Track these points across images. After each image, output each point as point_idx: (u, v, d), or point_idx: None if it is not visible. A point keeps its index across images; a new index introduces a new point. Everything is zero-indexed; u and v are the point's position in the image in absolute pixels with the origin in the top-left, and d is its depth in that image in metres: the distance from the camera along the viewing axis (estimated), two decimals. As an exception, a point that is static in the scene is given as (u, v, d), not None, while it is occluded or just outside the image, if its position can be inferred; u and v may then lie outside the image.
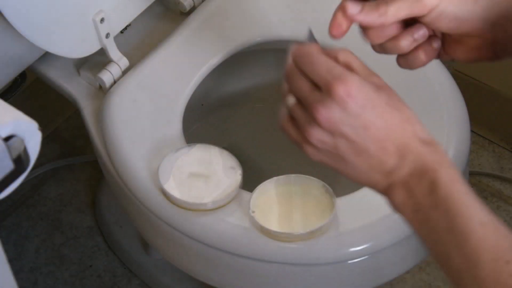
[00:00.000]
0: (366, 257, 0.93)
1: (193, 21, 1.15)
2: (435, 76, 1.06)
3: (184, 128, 1.05)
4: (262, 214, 0.93)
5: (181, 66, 1.11)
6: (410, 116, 0.67)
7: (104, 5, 1.07)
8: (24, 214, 1.49)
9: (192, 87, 1.10)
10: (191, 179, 0.97)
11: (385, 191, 0.68)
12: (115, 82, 1.11)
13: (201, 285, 1.29)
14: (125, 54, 1.12)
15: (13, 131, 0.51)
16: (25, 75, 1.19)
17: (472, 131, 1.08)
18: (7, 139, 0.51)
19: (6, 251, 0.61)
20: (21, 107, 0.54)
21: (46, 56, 1.13)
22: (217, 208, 0.95)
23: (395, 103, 0.66)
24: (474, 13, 0.71)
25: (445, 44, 0.76)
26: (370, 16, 0.70)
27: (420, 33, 0.73)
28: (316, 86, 0.66)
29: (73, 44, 1.07)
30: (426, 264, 1.40)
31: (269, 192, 0.95)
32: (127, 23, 1.14)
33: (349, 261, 0.93)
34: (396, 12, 0.70)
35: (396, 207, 0.68)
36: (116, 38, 1.11)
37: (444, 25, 0.72)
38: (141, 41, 1.17)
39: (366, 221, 0.93)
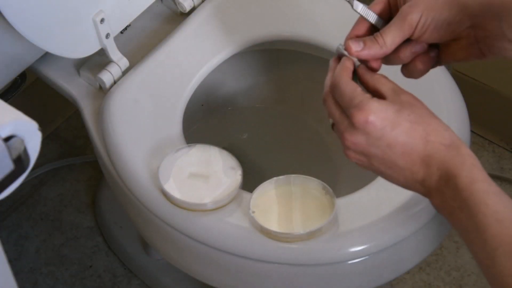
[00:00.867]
0: (366, 257, 0.93)
1: (193, 21, 1.15)
2: (435, 76, 1.06)
3: (184, 128, 1.05)
4: (262, 214, 0.93)
5: (181, 67, 1.11)
6: (435, 127, 0.75)
7: (104, 5, 1.07)
8: (24, 214, 1.49)
9: (192, 87, 1.10)
10: (191, 179, 0.97)
11: (426, 196, 0.77)
12: (115, 82, 1.11)
13: (201, 285, 1.29)
14: (125, 54, 1.12)
15: (13, 131, 0.51)
16: (25, 75, 1.19)
17: (472, 131, 1.08)
18: (7, 139, 0.51)
19: (6, 251, 0.61)
20: (21, 107, 0.54)
21: (46, 56, 1.13)
22: (217, 208, 0.95)
23: (418, 118, 0.75)
24: (452, 19, 0.77)
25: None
26: (372, 50, 0.78)
27: (418, 46, 0.80)
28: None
29: (73, 44, 1.07)
30: (426, 264, 1.40)
31: (269, 193, 0.95)
32: (127, 24, 1.14)
33: (349, 262, 0.93)
34: (393, 41, 0.78)
35: (437, 210, 0.76)
36: (116, 38, 1.11)
37: (429, 36, 0.79)
38: (141, 41, 1.17)
39: (366, 221, 0.93)
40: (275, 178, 0.96)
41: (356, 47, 0.78)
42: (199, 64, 1.11)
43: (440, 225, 0.96)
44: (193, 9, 1.18)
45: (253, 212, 0.93)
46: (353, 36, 0.81)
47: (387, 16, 0.82)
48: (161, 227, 0.98)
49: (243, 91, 1.26)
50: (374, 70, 0.80)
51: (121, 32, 1.16)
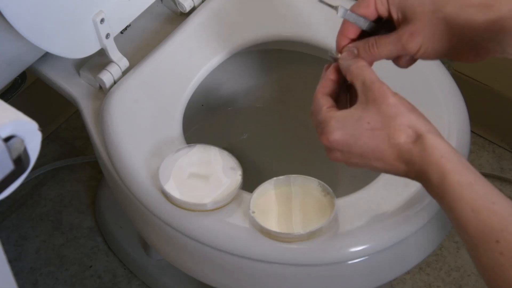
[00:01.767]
0: (366, 257, 0.93)
1: (193, 22, 1.15)
2: (435, 77, 1.06)
3: (184, 129, 1.05)
4: (262, 214, 0.93)
5: (181, 67, 1.11)
6: (398, 126, 0.75)
7: (104, 5, 1.07)
8: (24, 215, 1.49)
9: (192, 87, 1.10)
10: (191, 180, 0.97)
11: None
12: (115, 82, 1.11)
13: (201, 285, 1.29)
14: (125, 54, 1.12)
15: (13, 132, 0.51)
16: (25, 76, 1.19)
17: (472, 131, 1.08)
18: (7, 139, 0.51)
19: (6, 251, 0.61)
20: (21, 108, 0.53)
21: (46, 56, 1.13)
22: (217, 208, 0.95)
23: (378, 122, 0.76)
24: (451, 45, 0.79)
25: None
26: (366, 59, 0.81)
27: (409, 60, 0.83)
28: None
29: (73, 44, 1.07)
30: (426, 265, 1.40)
31: (269, 193, 0.95)
32: (127, 24, 1.14)
33: (349, 262, 0.93)
34: (387, 55, 0.81)
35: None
36: (116, 38, 1.11)
37: (428, 58, 0.81)
38: (141, 41, 1.17)
39: (366, 221, 0.93)
40: (275, 178, 0.96)
41: (350, 57, 0.82)
42: (199, 64, 1.11)
43: (440, 225, 0.96)
44: (193, 9, 1.18)
45: (253, 212, 0.93)
46: (344, 38, 0.83)
47: (374, 17, 0.82)
48: (161, 227, 0.98)
49: (243, 91, 1.26)
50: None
51: (121, 32, 1.16)
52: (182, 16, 1.19)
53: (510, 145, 1.53)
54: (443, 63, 1.08)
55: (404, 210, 0.94)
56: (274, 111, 1.27)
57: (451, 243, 1.42)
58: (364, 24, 0.82)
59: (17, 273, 1.41)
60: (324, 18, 1.14)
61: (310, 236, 0.91)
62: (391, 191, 0.95)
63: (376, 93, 0.76)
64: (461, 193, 0.71)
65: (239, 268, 0.96)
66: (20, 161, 0.52)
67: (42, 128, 0.53)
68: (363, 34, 0.83)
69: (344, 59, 0.81)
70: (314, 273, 0.94)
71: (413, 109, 0.77)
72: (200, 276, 1.02)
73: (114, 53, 1.11)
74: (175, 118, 1.05)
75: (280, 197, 0.95)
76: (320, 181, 0.95)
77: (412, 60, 0.83)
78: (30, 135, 0.53)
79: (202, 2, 1.18)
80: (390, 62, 0.84)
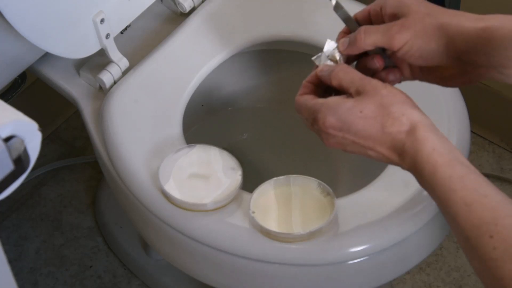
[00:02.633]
0: (366, 257, 0.93)
1: (193, 22, 1.15)
2: (435, 77, 1.06)
3: (184, 129, 1.05)
4: (262, 214, 0.93)
5: (181, 67, 1.11)
6: (392, 115, 0.75)
7: (104, 5, 1.07)
8: (24, 215, 1.49)
9: (192, 87, 1.10)
10: (191, 180, 0.97)
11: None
12: (115, 82, 1.11)
13: (201, 285, 1.29)
14: (125, 54, 1.12)
15: (13, 132, 0.51)
16: (25, 76, 1.19)
17: (472, 131, 1.08)
18: (7, 139, 0.51)
19: (6, 251, 0.61)
20: (21, 108, 0.53)
21: (46, 56, 1.13)
22: (217, 208, 0.95)
23: (372, 111, 0.75)
24: (438, 50, 0.79)
25: (422, 72, 0.84)
26: (351, 49, 0.82)
27: (392, 75, 0.84)
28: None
29: (73, 44, 1.07)
30: (426, 265, 1.40)
31: (269, 193, 0.95)
32: (127, 24, 1.14)
33: (349, 262, 0.93)
34: (373, 44, 0.80)
35: None
36: (116, 38, 1.11)
37: (414, 61, 0.80)
38: (141, 41, 1.17)
39: (366, 221, 0.93)
40: (275, 178, 0.96)
41: (342, 47, 0.83)
42: (199, 65, 1.11)
43: (440, 225, 0.96)
44: (193, 9, 1.18)
45: (253, 212, 0.93)
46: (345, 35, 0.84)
47: (365, 19, 0.84)
48: (161, 227, 0.98)
49: (243, 91, 1.26)
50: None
51: (121, 33, 1.16)
52: (182, 16, 1.19)
53: (510, 145, 1.53)
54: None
55: (404, 210, 0.94)
56: (274, 111, 1.27)
57: (451, 243, 1.42)
58: (353, 26, 0.83)
59: (17, 273, 1.41)
60: (324, 18, 1.14)
61: (310, 236, 0.91)
62: (391, 191, 0.95)
63: (367, 87, 0.76)
64: (453, 186, 0.71)
65: (239, 268, 0.96)
66: (20, 161, 0.52)
67: (42, 128, 0.53)
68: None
69: (325, 67, 0.81)
70: (314, 273, 0.94)
71: (407, 99, 0.77)
72: (200, 276, 1.02)
73: (114, 53, 1.11)
74: (175, 118, 1.05)
75: (280, 197, 0.95)
76: (320, 181, 0.95)
77: (397, 74, 0.83)
78: (30, 135, 0.53)
79: (202, 2, 1.18)
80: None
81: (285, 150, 1.26)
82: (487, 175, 1.49)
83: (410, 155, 0.74)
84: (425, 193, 0.77)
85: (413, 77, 0.85)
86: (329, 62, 0.83)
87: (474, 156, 1.52)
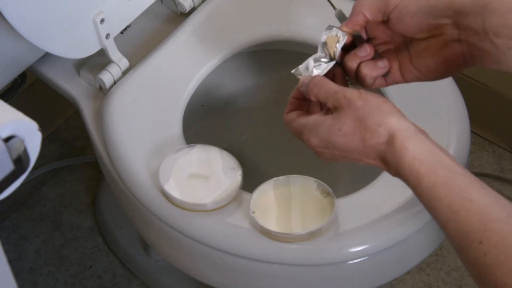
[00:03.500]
0: (366, 257, 0.93)
1: (193, 22, 1.15)
2: (435, 77, 1.06)
3: (184, 129, 1.05)
4: (262, 214, 0.93)
5: (181, 67, 1.11)
6: (370, 128, 0.75)
7: (104, 5, 1.07)
8: (24, 215, 1.49)
9: (192, 87, 1.10)
10: (191, 180, 0.97)
11: None
12: (115, 82, 1.11)
13: (201, 285, 1.29)
14: (125, 54, 1.12)
15: (13, 132, 0.51)
16: (25, 76, 1.19)
17: (472, 131, 1.08)
18: (7, 139, 0.51)
19: (6, 251, 0.61)
20: (21, 108, 0.53)
21: (46, 56, 1.13)
22: (217, 208, 0.95)
23: (350, 126, 0.76)
24: (434, 7, 0.78)
25: (414, 57, 0.82)
26: (351, 22, 0.83)
27: (361, 50, 0.82)
28: None
29: (73, 44, 1.07)
30: (426, 265, 1.40)
31: (269, 193, 0.95)
32: (127, 24, 1.14)
33: (349, 262, 0.93)
34: (368, 8, 0.81)
35: None
36: (116, 38, 1.11)
37: (408, 22, 0.79)
38: (141, 41, 1.17)
39: (366, 221, 0.93)
40: (275, 178, 0.96)
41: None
42: (199, 65, 1.11)
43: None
44: (193, 9, 1.18)
45: (253, 212, 0.93)
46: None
47: (360, 27, 0.84)
48: (161, 227, 0.98)
49: (243, 91, 1.26)
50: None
51: (121, 33, 1.16)
52: (182, 16, 1.19)
53: (510, 145, 1.53)
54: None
55: (404, 210, 0.94)
56: (274, 111, 1.27)
57: (451, 243, 1.42)
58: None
59: (17, 273, 1.42)
60: (324, 19, 1.14)
61: (310, 236, 0.91)
62: (391, 191, 0.95)
63: (342, 101, 0.77)
64: (438, 195, 0.71)
65: (239, 268, 0.96)
66: (20, 161, 0.52)
67: (42, 128, 0.53)
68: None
69: (305, 80, 0.83)
70: (314, 273, 0.94)
71: (383, 105, 0.77)
72: (200, 276, 1.02)
73: (114, 53, 1.11)
74: (175, 118, 1.05)
75: (280, 197, 0.95)
76: (320, 181, 0.95)
77: (370, 49, 0.83)
78: (30, 135, 0.52)
79: (202, 2, 1.18)
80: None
81: (285, 150, 1.26)
82: (487, 175, 1.49)
83: (393, 166, 0.75)
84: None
85: (401, 70, 0.84)
86: (315, 71, 0.83)
87: (474, 156, 1.52)
